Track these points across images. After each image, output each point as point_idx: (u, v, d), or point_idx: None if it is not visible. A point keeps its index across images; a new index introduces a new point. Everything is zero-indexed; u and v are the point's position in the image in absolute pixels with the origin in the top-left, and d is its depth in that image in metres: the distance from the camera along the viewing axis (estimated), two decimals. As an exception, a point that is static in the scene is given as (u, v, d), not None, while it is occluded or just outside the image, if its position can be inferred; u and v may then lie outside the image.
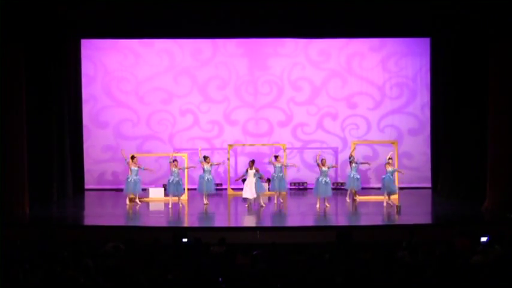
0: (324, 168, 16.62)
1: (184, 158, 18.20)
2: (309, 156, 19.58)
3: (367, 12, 15.82)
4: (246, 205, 16.78)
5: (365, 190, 18.23)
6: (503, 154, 15.55)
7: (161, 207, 17.34)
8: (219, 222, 16.36)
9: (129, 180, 17.02)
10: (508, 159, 15.52)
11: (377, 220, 15.69)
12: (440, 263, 9.81)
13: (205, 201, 17.17)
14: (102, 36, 18.49)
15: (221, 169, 19.47)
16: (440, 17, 16.10)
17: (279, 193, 17.28)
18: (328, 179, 16.68)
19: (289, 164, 18.15)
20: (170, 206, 16.71)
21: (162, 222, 16.00)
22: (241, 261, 10.45)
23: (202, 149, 18.84)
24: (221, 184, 19.34)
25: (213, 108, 19.85)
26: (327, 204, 16.49)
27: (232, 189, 18.90)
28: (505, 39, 15.29)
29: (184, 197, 17.44)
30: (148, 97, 19.76)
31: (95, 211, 17.58)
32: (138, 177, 17.07)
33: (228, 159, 19.11)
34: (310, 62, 19.77)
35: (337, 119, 19.85)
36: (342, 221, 16.30)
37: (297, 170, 19.58)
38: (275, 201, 17.30)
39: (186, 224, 15.91)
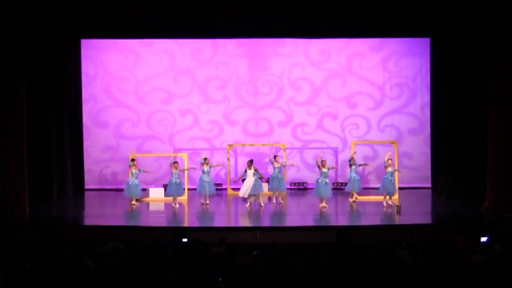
0: (324, 170, 16.63)
1: (184, 158, 18.20)
2: (309, 156, 19.58)
3: (367, 12, 15.83)
4: (247, 205, 16.78)
5: (365, 190, 18.20)
6: (503, 154, 15.56)
7: (161, 207, 17.33)
8: (219, 222, 16.36)
9: (130, 183, 17.02)
10: (508, 159, 15.53)
11: (377, 220, 15.69)
12: (440, 263, 9.81)
13: (206, 202, 17.17)
14: (102, 36, 18.51)
15: (222, 171, 19.46)
16: (440, 17, 16.12)
17: (278, 193, 17.28)
18: (328, 179, 16.69)
19: (287, 164, 18.11)
20: (175, 206, 16.69)
21: (162, 222, 16.00)
22: (241, 261, 10.44)
23: (203, 150, 18.94)
24: (221, 184, 19.34)
25: (213, 108, 19.85)
26: (325, 205, 16.49)
27: (232, 189, 18.89)
28: (505, 39, 15.30)
29: (185, 197, 17.46)
30: (148, 97, 19.76)
31: (95, 211, 17.58)
32: (138, 180, 17.07)
33: (228, 159, 19.11)
34: (310, 62, 19.76)
35: (337, 119, 19.85)
36: (342, 221, 16.29)
37: (297, 170, 19.59)
38: (274, 201, 17.30)
39: (186, 224, 15.91)
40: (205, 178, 17.15)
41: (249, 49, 19.76)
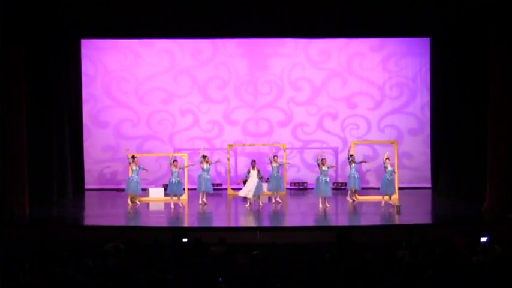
0: (324, 168, 16.64)
1: (184, 158, 18.20)
2: (309, 156, 19.57)
3: (367, 12, 15.83)
4: (247, 205, 16.79)
5: (365, 190, 18.23)
6: (503, 154, 15.56)
7: (161, 207, 17.33)
8: (219, 222, 16.36)
9: (131, 179, 17.02)
10: (508, 159, 15.53)
11: (377, 220, 15.69)
12: (440, 263, 9.81)
13: (204, 201, 17.19)
14: (102, 36, 18.51)
15: (222, 169, 19.47)
16: (440, 17, 16.11)
17: (277, 193, 17.27)
18: (328, 178, 16.70)
19: (283, 163, 18.02)
20: (172, 206, 16.70)
21: (162, 222, 16.00)
22: (241, 261, 10.44)
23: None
24: (221, 184, 19.35)
25: (213, 108, 19.85)
26: (327, 205, 16.50)
27: (232, 189, 18.90)
28: (505, 39, 15.30)
29: (184, 197, 17.46)
30: (148, 97, 19.76)
31: (95, 211, 17.59)
32: (139, 177, 17.09)
33: (228, 159, 19.11)
34: (310, 62, 19.76)
35: (337, 119, 19.85)
36: (342, 221, 16.29)
37: (297, 170, 19.60)
38: (273, 201, 17.29)
39: (186, 224, 15.91)
40: (204, 175, 17.18)
41: (249, 49, 19.76)
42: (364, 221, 15.87)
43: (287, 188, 19.02)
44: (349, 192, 17.54)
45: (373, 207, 16.72)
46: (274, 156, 17.41)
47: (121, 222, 15.83)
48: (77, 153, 19.09)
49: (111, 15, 16.01)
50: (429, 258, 10.18)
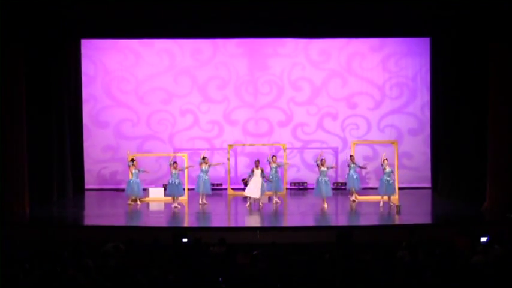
0: (323, 168, 16.66)
1: (184, 158, 18.20)
2: (309, 156, 19.56)
3: (367, 12, 15.84)
4: (247, 204, 16.79)
5: (365, 190, 18.22)
6: (503, 154, 15.56)
7: (161, 207, 17.33)
8: (219, 222, 16.35)
9: (131, 182, 17.02)
10: (508, 159, 15.53)
11: (377, 220, 15.69)
12: (440, 263, 9.81)
13: (204, 201, 17.19)
14: (102, 36, 18.52)
15: (221, 169, 19.46)
16: (440, 17, 16.12)
17: (275, 193, 17.26)
18: (328, 178, 16.71)
19: (282, 163, 17.97)
20: (177, 206, 16.69)
21: (162, 222, 16.00)
22: (241, 261, 10.44)
23: (202, 149, 18.98)
24: (221, 184, 19.35)
25: (213, 108, 19.85)
26: (324, 205, 16.50)
27: (232, 189, 18.90)
28: (505, 39, 15.30)
29: (185, 197, 17.47)
30: (148, 97, 19.76)
31: (95, 211, 17.58)
32: (138, 179, 17.08)
33: (228, 159, 19.10)
34: (310, 62, 19.76)
35: (337, 119, 19.85)
36: (342, 221, 16.30)
37: (297, 170, 19.61)
38: (273, 201, 17.28)
39: (186, 224, 15.91)
40: (203, 177, 17.18)
41: (249, 49, 19.76)
42: (364, 221, 15.86)
43: (287, 188, 19.03)
44: (350, 192, 17.54)
45: (373, 207, 16.71)
46: (272, 157, 17.41)
47: (121, 222, 15.83)
48: (77, 153, 19.09)
49: (111, 15, 16.02)
50: (429, 258, 10.18)
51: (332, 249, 11.05)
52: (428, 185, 19.31)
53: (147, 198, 17.78)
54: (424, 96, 19.57)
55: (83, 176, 19.35)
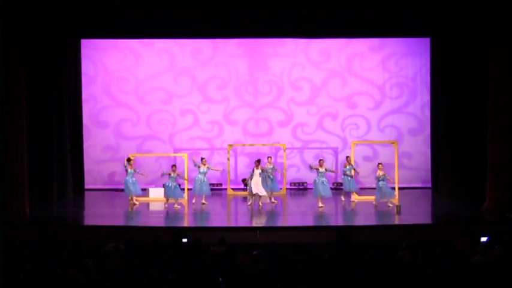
0: (321, 170, 16.67)
1: (184, 158, 18.21)
2: (309, 156, 19.54)
3: (367, 12, 15.83)
4: (248, 203, 16.80)
5: (365, 190, 18.22)
6: (503, 154, 15.56)
7: (161, 207, 17.32)
8: (219, 222, 16.35)
9: (126, 181, 17.03)
10: (508, 159, 15.53)
11: (377, 220, 15.69)
12: (440, 263, 9.81)
13: (204, 202, 17.20)
14: (102, 36, 18.51)
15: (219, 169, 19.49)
16: (440, 17, 16.11)
17: (271, 193, 17.22)
18: (326, 179, 16.70)
19: (276, 168, 17.87)
20: (177, 206, 16.71)
21: (162, 222, 16.00)
22: (241, 261, 10.45)
23: (202, 149, 19.03)
24: (221, 184, 19.36)
25: (213, 108, 19.84)
26: (320, 205, 16.49)
27: (232, 189, 18.91)
28: (504, 39, 15.30)
29: (185, 197, 17.48)
30: (148, 97, 19.76)
31: (95, 211, 17.57)
32: (134, 178, 17.08)
33: (228, 159, 19.10)
34: (310, 62, 19.76)
35: (337, 119, 19.84)
36: (342, 221, 16.30)
37: (297, 170, 19.61)
38: (272, 201, 17.26)
39: (185, 224, 15.91)
40: (201, 178, 17.18)
41: (249, 49, 19.76)
42: (364, 221, 15.87)
43: (287, 188, 19.04)
44: (343, 193, 17.49)
45: (373, 207, 16.71)
46: (268, 158, 17.39)
47: (121, 222, 15.84)
48: (77, 153, 19.09)
49: (111, 15, 16.01)
50: (429, 258, 10.18)
51: (332, 249, 11.05)
52: (428, 185, 19.32)
53: (147, 198, 17.78)
54: (424, 96, 19.57)
55: (83, 176, 19.35)
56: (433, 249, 10.63)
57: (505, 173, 15.54)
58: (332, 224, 15.59)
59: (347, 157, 17.71)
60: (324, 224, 15.59)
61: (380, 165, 16.93)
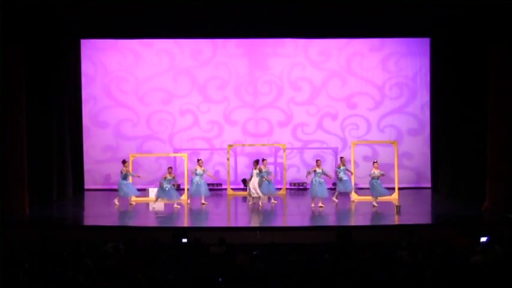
0: (318, 170, 16.66)
1: (184, 158, 18.22)
2: (309, 156, 19.55)
3: (367, 12, 15.83)
4: (250, 203, 16.79)
5: (364, 190, 18.20)
6: (503, 154, 15.55)
7: (161, 207, 17.32)
8: (219, 222, 16.34)
9: (120, 183, 17.04)
10: (508, 159, 15.53)
11: (377, 220, 15.69)
12: (440, 263, 9.81)
13: (203, 202, 17.22)
14: (102, 36, 18.52)
15: (221, 169, 19.47)
16: (440, 17, 16.11)
17: (269, 195, 17.19)
18: (322, 179, 16.69)
19: (270, 172, 17.76)
20: (176, 206, 16.72)
21: (162, 223, 16.00)
22: (241, 261, 10.44)
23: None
24: (221, 184, 19.36)
25: (213, 109, 19.85)
26: (320, 205, 16.49)
27: (232, 189, 18.91)
28: (504, 39, 15.30)
29: (184, 197, 17.50)
30: (148, 97, 19.77)
31: (95, 211, 17.57)
32: (126, 180, 17.10)
33: (228, 159, 19.11)
34: (310, 62, 19.76)
35: (337, 119, 19.85)
36: (342, 221, 16.29)
37: (297, 170, 19.62)
38: (270, 202, 17.23)
39: (185, 224, 15.91)
40: (197, 181, 17.18)
41: (249, 49, 19.76)
42: (364, 221, 15.88)
43: (287, 188, 19.05)
44: (336, 193, 17.47)
45: (373, 208, 16.70)
46: (263, 160, 17.37)
47: (121, 222, 15.83)
48: (77, 153, 19.11)
49: (111, 15, 16.01)
50: (429, 258, 10.18)
51: (332, 249, 11.04)
52: (428, 185, 19.33)
53: (147, 198, 17.78)
54: (423, 97, 19.58)
55: (83, 176, 19.37)
56: (432, 249, 10.62)
57: (504, 173, 15.54)
58: (332, 224, 15.59)
59: (341, 158, 17.74)
60: (324, 224, 15.58)
61: (375, 163, 16.93)
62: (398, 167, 18.22)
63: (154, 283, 8.86)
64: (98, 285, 8.91)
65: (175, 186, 16.95)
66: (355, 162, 18.21)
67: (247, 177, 17.73)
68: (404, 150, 19.57)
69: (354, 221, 16.13)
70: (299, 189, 19.59)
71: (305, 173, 19.45)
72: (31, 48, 16.19)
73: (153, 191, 18.03)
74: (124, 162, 17.28)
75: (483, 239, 11.55)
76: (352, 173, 17.62)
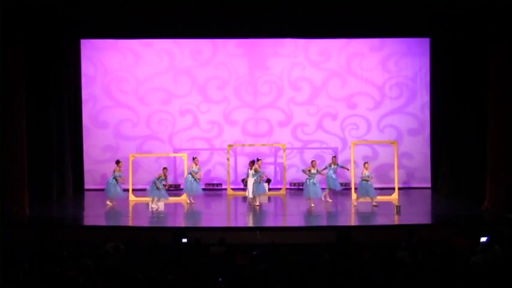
0: (313, 171, 16.68)
1: (184, 158, 18.22)
2: (309, 156, 19.53)
3: (367, 12, 15.83)
4: (250, 203, 16.80)
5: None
6: (503, 154, 15.55)
7: (161, 207, 17.30)
8: (219, 222, 16.33)
9: (113, 183, 17.05)
10: (508, 159, 15.53)
11: (377, 220, 15.69)
12: (440, 263, 9.81)
13: (191, 200, 17.25)
14: (102, 36, 18.52)
15: (221, 169, 19.47)
16: (440, 17, 16.12)
17: (259, 195, 17.16)
18: (316, 180, 16.68)
19: (262, 174, 17.72)
20: (153, 206, 16.67)
21: (162, 223, 16.00)
22: (241, 261, 10.44)
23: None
24: (221, 184, 19.36)
25: (213, 109, 19.84)
26: (312, 205, 16.50)
27: (232, 189, 18.91)
28: (505, 39, 15.30)
29: (184, 197, 17.52)
30: (148, 97, 19.76)
31: (95, 211, 17.55)
32: (115, 180, 17.08)
33: (228, 159, 19.11)
34: (310, 62, 19.76)
35: (337, 119, 19.84)
36: (342, 221, 16.29)
37: (297, 170, 19.59)
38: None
39: (185, 224, 15.90)
40: (190, 178, 17.19)
41: (249, 49, 19.76)
42: (364, 221, 15.88)
43: (287, 188, 19.05)
44: (326, 192, 17.49)
45: (373, 207, 16.70)
46: (258, 160, 17.37)
47: (121, 222, 15.84)
48: (77, 153, 19.11)
49: (111, 15, 16.01)
50: (429, 258, 10.18)
51: (332, 249, 11.04)
52: (428, 185, 19.32)
53: (146, 198, 17.76)
54: (423, 97, 19.57)
55: (83, 176, 19.36)
56: (432, 249, 10.62)
57: (504, 173, 15.54)
58: (332, 224, 15.59)
59: (333, 157, 17.75)
60: (324, 224, 15.58)
61: (366, 164, 16.96)
62: (398, 167, 18.21)
63: (154, 283, 8.86)
64: (98, 285, 8.92)
65: (167, 186, 16.95)
66: (355, 162, 18.20)
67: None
68: (404, 150, 19.57)
69: (354, 221, 16.12)
70: (299, 189, 19.52)
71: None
72: (31, 48, 16.18)
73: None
74: (118, 162, 17.26)
75: (483, 239, 11.55)
76: (348, 169, 17.95)
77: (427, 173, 19.48)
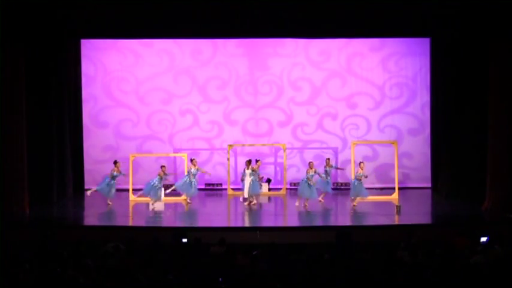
0: (311, 172, 16.65)
1: (184, 158, 18.22)
2: (309, 156, 19.52)
3: (367, 12, 15.83)
4: (252, 203, 16.79)
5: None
6: (503, 154, 15.56)
7: (161, 207, 17.32)
8: (219, 222, 16.34)
9: (110, 183, 17.05)
10: (508, 159, 15.53)
11: (377, 220, 15.69)
12: (440, 263, 9.81)
13: (188, 201, 17.25)
14: (102, 36, 18.51)
15: (221, 169, 19.47)
16: (440, 17, 16.12)
17: (254, 195, 17.16)
18: (313, 182, 16.63)
19: (258, 174, 17.66)
20: (152, 206, 16.71)
21: (162, 222, 16.01)
22: (241, 261, 10.45)
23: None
24: (221, 184, 19.37)
25: (213, 109, 19.85)
26: (305, 204, 16.49)
27: (232, 189, 18.91)
28: (505, 38, 15.30)
29: (184, 197, 17.51)
30: (148, 97, 19.76)
31: (95, 211, 17.55)
32: (114, 181, 17.07)
33: (228, 159, 19.12)
34: (310, 62, 19.76)
35: (337, 119, 19.85)
36: (342, 221, 16.30)
37: (297, 170, 19.61)
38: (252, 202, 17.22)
39: (185, 224, 15.90)
40: (189, 180, 17.19)
41: (249, 49, 19.76)
42: (364, 221, 15.88)
43: (287, 188, 19.04)
44: (322, 195, 17.43)
45: (373, 207, 16.72)
46: (257, 161, 17.37)
47: (121, 222, 15.83)
48: (77, 153, 19.11)
49: (111, 15, 16.01)
50: (429, 259, 10.18)
51: (332, 249, 11.05)
52: (428, 185, 19.32)
53: (146, 199, 17.76)
54: (424, 96, 19.58)
55: (83, 176, 19.36)
56: (432, 249, 10.62)
57: (504, 173, 15.54)
58: (332, 224, 15.59)
59: (327, 159, 17.75)
60: (324, 224, 15.57)
61: (361, 163, 16.95)
62: (398, 167, 18.21)
63: (154, 283, 8.86)
64: (98, 285, 8.92)
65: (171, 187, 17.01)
66: (355, 162, 18.18)
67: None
68: (404, 150, 19.57)
69: (354, 221, 16.12)
70: (299, 189, 19.58)
71: (305, 173, 19.55)
72: (31, 48, 16.18)
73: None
74: (115, 162, 17.27)
75: (483, 239, 11.55)
76: (343, 169, 18.23)
77: (427, 173, 19.47)
